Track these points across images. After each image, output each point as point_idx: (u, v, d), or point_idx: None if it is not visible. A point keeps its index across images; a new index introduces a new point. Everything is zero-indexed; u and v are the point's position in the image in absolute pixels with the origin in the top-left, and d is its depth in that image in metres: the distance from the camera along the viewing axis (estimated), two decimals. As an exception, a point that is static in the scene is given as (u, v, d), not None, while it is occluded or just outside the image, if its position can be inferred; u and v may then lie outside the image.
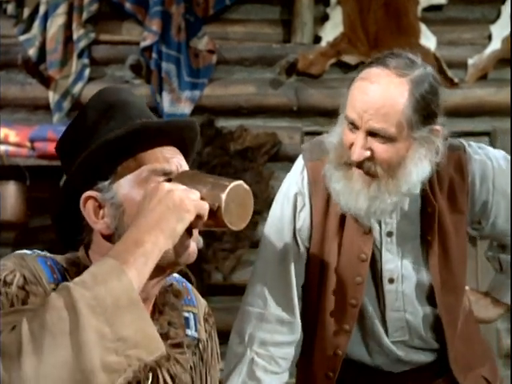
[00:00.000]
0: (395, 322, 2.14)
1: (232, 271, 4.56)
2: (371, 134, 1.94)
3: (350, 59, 4.64)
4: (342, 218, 2.10)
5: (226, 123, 4.63)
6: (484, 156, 2.16)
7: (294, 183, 2.16)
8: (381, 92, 1.92)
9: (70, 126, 1.53)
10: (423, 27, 4.71)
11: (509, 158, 2.20)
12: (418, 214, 2.11)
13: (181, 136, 1.52)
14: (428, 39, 4.70)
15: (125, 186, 1.44)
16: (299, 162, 2.18)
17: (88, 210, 1.46)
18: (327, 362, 2.12)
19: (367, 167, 1.96)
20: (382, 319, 2.14)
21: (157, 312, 1.53)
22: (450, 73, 4.65)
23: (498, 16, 4.71)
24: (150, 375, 1.43)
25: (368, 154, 1.94)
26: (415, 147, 1.96)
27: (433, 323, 2.18)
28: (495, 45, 4.67)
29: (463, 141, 2.17)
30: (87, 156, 1.43)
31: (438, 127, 1.99)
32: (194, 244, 1.46)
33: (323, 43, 4.69)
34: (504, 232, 2.23)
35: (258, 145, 4.62)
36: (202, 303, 1.65)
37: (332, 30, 4.70)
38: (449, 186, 2.11)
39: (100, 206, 1.45)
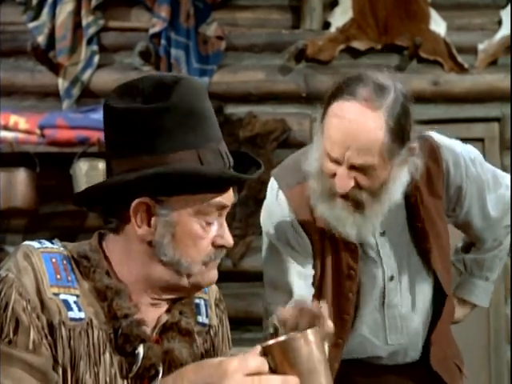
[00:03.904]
0: (392, 321, 2.18)
1: (241, 257, 4.57)
2: (354, 167, 1.99)
3: (359, 45, 4.63)
4: (332, 239, 2.15)
5: (235, 110, 4.63)
6: (455, 145, 2.24)
7: (276, 212, 2.19)
8: (360, 130, 1.97)
9: (142, 107, 1.41)
10: (433, 12, 4.69)
11: (479, 153, 2.27)
12: (402, 206, 2.17)
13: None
14: (438, 24, 4.67)
15: (182, 208, 1.42)
16: (273, 190, 2.21)
17: (137, 213, 1.42)
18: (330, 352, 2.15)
19: (353, 195, 2.02)
20: (382, 318, 2.19)
21: (169, 302, 1.53)
22: (459, 58, 4.63)
23: (509, 1, 4.68)
24: (161, 368, 1.44)
25: (352, 183, 2.00)
26: (395, 170, 2.04)
27: (429, 315, 2.24)
28: (505, 30, 4.65)
29: (432, 132, 2.23)
30: (158, 173, 1.38)
31: (413, 145, 2.05)
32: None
33: (332, 29, 4.67)
34: (478, 228, 2.30)
35: (267, 131, 4.62)
36: (213, 289, 1.66)
37: (341, 16, 4.68)
38: (426, 173, 2.17)
39: (150, 214, 1.42)
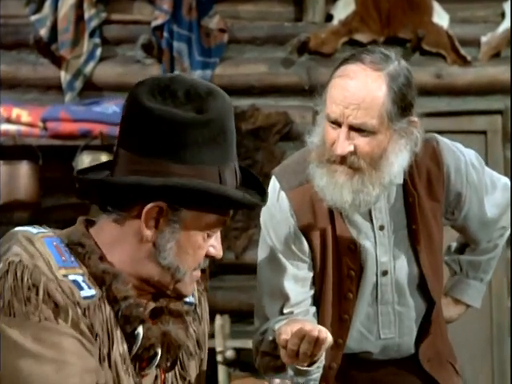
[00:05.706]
0: (385, 316, 2.20)
1: (244, 250, 4.58)
2: (353, 128, 2.00)
3: (361, 37, 4.62)
4: (332, 240, 2.15)
5: (237, 103, 4.63)
6: (457, 150, 2.24)
7: (277, 213, 2.18)
8: (360, 87, 2.00)
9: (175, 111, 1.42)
10: (436, 5, 4.68)
11: (479, 157, 2.27)
12: (402, 205, 2.18)
13: None
14: (441, 17, 4.67)
15: (193, 219, 1.44)
16: (275, 191, 2.19)
17: (149, 214, 1.42)
18: (330, 352, 2.15)
19: (350, 162, 2.02)
20: (375, 313, 2.19)
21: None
22: (462, 51, 4.63)
23: (511, -7, 4.69)
24: (159, 349, 1.45)
25: (351, 148, 2.00)
26: (395, 138, 2.04)
27: (421, 313, 2.24)
28: (508, 23, 4.64)
29: (434, 134, 2.23)
30: (185, 185, 1.40)
31: (415, 118, 2.06)
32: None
33: (335, 22, 4.67)
34: (474, 229, 2.31)
35: (270, 124, 4.62)
36: None
37: (344, 9, 4.68)
38: (426, 175, 2.18)
39: (161, 216, 1.43)
